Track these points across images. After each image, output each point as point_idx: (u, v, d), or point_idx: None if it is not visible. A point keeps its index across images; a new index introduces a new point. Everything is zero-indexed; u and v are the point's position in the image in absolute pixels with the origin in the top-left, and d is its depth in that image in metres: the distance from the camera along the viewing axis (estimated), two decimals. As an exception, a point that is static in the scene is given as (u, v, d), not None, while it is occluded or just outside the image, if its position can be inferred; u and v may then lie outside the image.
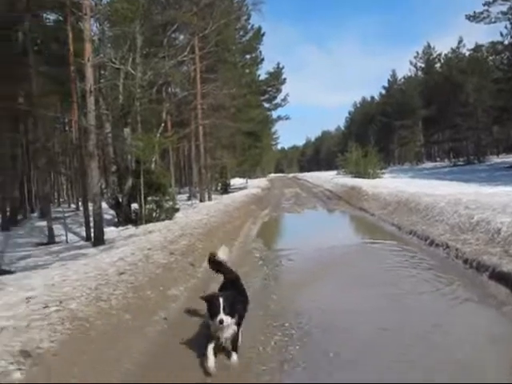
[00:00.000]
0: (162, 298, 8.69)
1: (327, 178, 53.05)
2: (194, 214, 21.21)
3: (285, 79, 55.63)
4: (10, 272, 12.34)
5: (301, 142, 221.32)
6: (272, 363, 5.99)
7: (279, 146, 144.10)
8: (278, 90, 55.77)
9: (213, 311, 5.75)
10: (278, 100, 56.65)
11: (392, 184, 30.81)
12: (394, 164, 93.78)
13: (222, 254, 7.45)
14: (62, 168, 46.74)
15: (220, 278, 7.22)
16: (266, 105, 56.61)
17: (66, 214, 24.83)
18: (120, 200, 21.29)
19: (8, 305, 7.37)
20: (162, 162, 32.78)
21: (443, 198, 17.03)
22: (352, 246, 14.41)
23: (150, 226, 17.64)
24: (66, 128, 43.69)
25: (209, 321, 5.91)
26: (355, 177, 46.83)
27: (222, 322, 5.61)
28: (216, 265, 7.32)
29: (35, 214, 32.44)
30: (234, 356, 6.04)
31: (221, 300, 5.71)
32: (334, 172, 67.19)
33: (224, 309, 5.66)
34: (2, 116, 26.02)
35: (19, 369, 4.99)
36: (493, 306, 7.81)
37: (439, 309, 7.86)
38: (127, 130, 21.09)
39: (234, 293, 6.23)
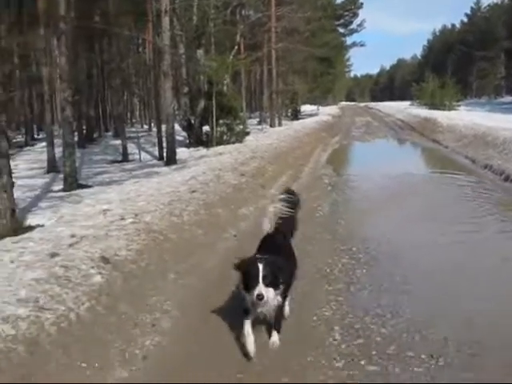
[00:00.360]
0: (233, 217, 8.90)
1: (400, 109, 51.75)
2: (264, 138, 21.27)
3: (362, 3, 53.69)
4: (87, 186, 12.86)
5: (374, 71, 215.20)
6: (339, 284, 6.04)
7: (352, 74, 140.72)
8: (355, 15, 53.98)
9: (249, 282, 4.23)
10: (353, 25, 54.91)
11: (468, 117, 29.75)
12: (471, 97, 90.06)
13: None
14: (136, 88, 47.31)
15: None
16: (341, 30, 54.99)
17: (140, 134, 25.35)
18: (192, 122, 21.51)
19: (87, 216, 7.73)
20: (234, 85, 32.65)
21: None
22: (423, 176, 14.21)
23: (221, 149, 17.84)
24: (140, 49, 43.87)
25: (244, 294, 4.37)
26: (430, 108, 45.38)
27: (261, 297, 4.12)
28: None
29: (109, 133, 33.31)
30: (275, 336, 4.61)
31: (260, 267, 4.20)
32: (408, 103, 65.30)
33: (264, 278, 4.17)
34: (77, 35, 26.35)
35: (100, 273, 5.28)
36: None
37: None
38: (200, 52, 21.06)
39: (278, 258, 4.51)
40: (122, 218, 7.37)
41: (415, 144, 24.10)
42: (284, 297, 4.60)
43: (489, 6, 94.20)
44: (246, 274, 4.27)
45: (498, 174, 13.42)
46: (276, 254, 4.60)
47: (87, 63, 31.34)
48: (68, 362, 4.03)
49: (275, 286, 4.27)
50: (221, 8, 22.59)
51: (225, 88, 22.06)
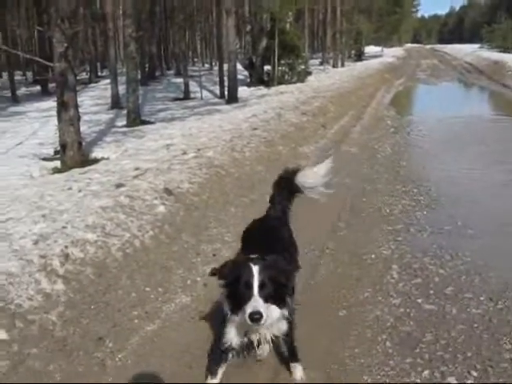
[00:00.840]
0: (293, 155, 8.91)
1: (468, 51, 49.77)
2: (326, 78, 20.97)
3: None
4: (149, 122, 13.04)
5: (443, 11, 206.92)
6: (398, 225, 5.99)
7: (419, 14, 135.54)
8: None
9: (238, 295, 2.67)
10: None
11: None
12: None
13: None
14: (198, 26, 47.06)
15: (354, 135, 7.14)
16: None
17: (201, 73, 25.36)
18: (253, 60, 21.34)
19: (150, 150, 7.90)
20: (297, 24, 32.04)
21: None
22: (490, 120, 13.77)
23: (282, 88, 17.71)
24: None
25: (229, 313, 2.79)
26: (500, 51, 43.43)
27: (257, 316, 2.52)
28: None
29: (171, 72, 33.38)
30: (299, 370, 3.20)
31: (255, 271, 2.67)
32: (476, 45, 62.68)
33: (262, 289, 2.63)
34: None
35: (163, 204, 5.43)
36: None
37: None
38: (263, -13, 20.68)
39: (280, 257, 2.93)
40: (185, 153, 7.50)
41: (483, 88, 23.23)
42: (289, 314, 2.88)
43: None
44: (233, 283, 2.69)
45: None
46: (274, 250, 3.03)
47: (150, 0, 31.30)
48: (132, 285, 4.20)
49: (279, 301, 2.72)
50: None
51: (288, 26, 21.70)
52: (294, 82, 19.57)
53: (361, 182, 7.63)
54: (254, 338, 2.82)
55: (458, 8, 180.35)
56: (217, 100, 17.69)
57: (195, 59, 47.88)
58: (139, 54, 22.73)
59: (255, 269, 2.64)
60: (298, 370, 3.17)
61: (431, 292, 4.31)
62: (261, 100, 14.56)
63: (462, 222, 6.00)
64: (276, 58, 19.45)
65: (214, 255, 4.97)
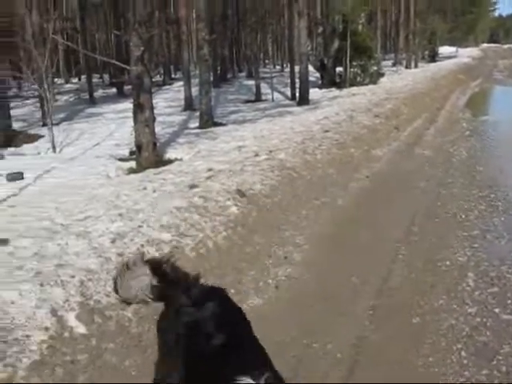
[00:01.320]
0: (365, 158, 8.82)
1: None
2: (399, 79, 20.65)
3: None
4: (221, 124, 13.19)
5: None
6: (474, 231, 5.81)
7: (496, 13, 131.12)
8: None
9: None
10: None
11: None
12: None
13: None
14: (270, 28, 47.27)
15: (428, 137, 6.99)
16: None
17: (272, 75, 25.44)
18: (325, 62, 21.25)
19: (223, 151, 8.00)
20: (369, 26, 31.69)
21: None
22: None
23: (354, 89, 17.56)
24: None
25: None
26: None
27: None
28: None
29: (243, 74, 33.66)
30: None
31: None
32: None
33: None
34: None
35: (235, 205, 5.48)
36: None
37: None
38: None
39: None
40: (257, 155, 7.55)
41: None
42: None
43: None
44: None
45: None
46: None
47: (223, 3, 31.66)
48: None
49: None
50: None
51: (360, 27, 21.49)
52: (367, 84, 19.36)
53: (436, 186, 7.48)
54: None
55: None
56: (288, 102, 17.68)
57: (266, 61, 48.18)
58: (211, 57, 23.06)
59: None
60: None
61: (509, 302, 4.15)
62: (332, 102, 14.48)
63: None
64: (348, 59, 19.30)
65: (286, 257, 4.97)
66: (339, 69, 20.85)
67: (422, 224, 5.99)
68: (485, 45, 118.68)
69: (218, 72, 27.79)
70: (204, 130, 12.35)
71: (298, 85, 17.16)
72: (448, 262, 4.92)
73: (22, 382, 2.96)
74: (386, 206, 6.64)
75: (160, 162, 8.48)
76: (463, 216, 6.28)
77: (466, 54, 49.51)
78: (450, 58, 42.47)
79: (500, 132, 11.96)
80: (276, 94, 19.81)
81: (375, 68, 20.63)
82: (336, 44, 20.56)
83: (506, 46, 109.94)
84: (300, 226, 5.73)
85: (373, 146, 9.47)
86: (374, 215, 6.31)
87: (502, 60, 47.05)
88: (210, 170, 6.74)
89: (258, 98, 19.15)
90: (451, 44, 59.40)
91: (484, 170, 8.52)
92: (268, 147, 8.00)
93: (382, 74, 20.93)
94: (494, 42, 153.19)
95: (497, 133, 11.90)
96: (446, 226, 5.92)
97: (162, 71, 30.74)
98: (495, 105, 18.82)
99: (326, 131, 9.41)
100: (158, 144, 9.00)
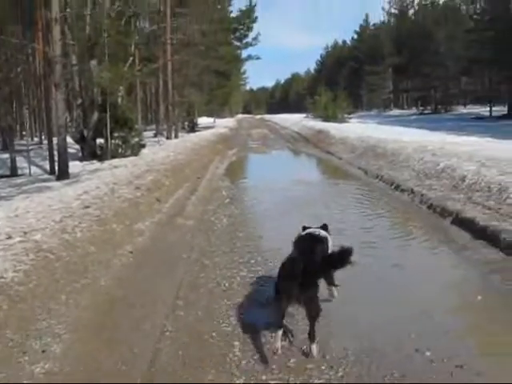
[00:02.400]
0: (128, 232, 8.64)
1: (295, 121, 52.89)
2: (161, 150, 21.01)
3: (256, 17, 54.14)
4: (-31, 203, 12.10)
5: (270, 84, 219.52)
6: (237, 299, 5.91)
7: (248, 87, 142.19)
8: (249, 29, 54.44)
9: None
10: (248, 39, 55.31)
11: (359, 129, 30.84)
12: (362, 110, 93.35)
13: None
14: (26, 99, 45.43)
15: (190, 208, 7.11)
16: (237, 43, 55.32)
17: (30, 147, 24.28)
18: (85, 134, 20.88)
19: (-32, 235, 7.24)
20: (129, 97, 32.08)
21: (410, 145, 17.18)
22: (318, 185, 14.80)
23: (116, 162, 17.41)
24: (31, 58, 42.17)
25: None
26: (324, 120, 46.66)
27: None
28: None
29: (-4, 146, 31.68)
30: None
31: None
32: (303, 115, 66.90)
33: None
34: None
35: (-20, 299, 4.93)
36: (453, 250, 7.89)
37: (400, 250, 8.01)
38: (93, 63, 20.49)
39: None
40: (9, 237, 6.97)
41: (310, 155, 24.55)
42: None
43: (376, 24, 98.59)
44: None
45: (388, 183, 13.94)
46: None
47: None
48: None
49: None
50: (115, 18, 22.08)
51: (119, 100, 21.60)
52: (128, 156, 19.35)
53: (199, 256, 7.60)
54: None
55: (282, 81, 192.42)
56: (47, 176, 16.91)
57: (24, 132, 45.98)
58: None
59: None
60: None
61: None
62: (93, 175, 14.14)
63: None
64: (108, 131, 19.17)
65: (44, 351, 4.56)
66: (100, 140, 20.61)
67: (187, 296, 5.99)
68: (240, 115, 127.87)
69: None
70: None
71: (57, 158, 16.55)
72: (214, 333, 4.95)
73: None
74: (151, 282, 6.53)
75: None
76: (226, 284, 6.42)
77: (223, 124, 52.59)
78: (208, 128, 44.65)
79: (257, 197, 12.74)
80: (34, 168, 18.89)
81: (136, 139, 20.76)
82: (95, 116, 20.35)
83: (258, 117, 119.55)
84: (59, 313, 5.33)
85: (135, 219, 9.35)
86: (139, 293, 6.15)
87: (255, 129, 50.81)
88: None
89: (13, 172, 18.08)
90: (209, 115, 62.70)
91: (244, 236, 8.90)
92: (23, 228, 7.43)
93: (144, 146, 21.12)
94: (248, 112, 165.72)
95: (254, 198, 12.64)
96: (210, 297, 6.00)
97: None
98: (251, 172, 20.05)
99: (87, 207, 9.08)
100: None
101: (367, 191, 13.40)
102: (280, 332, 4.58)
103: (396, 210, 11.12)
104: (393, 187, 13.40)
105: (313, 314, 4.45)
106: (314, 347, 4.49)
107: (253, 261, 7.37)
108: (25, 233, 7.04)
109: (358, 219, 10.14)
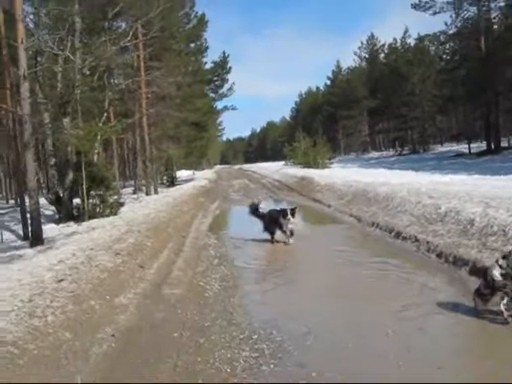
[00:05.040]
0: (109, 309, 7.50)
1: (274, 169, 52.45)
2: (141, 208, 19.99)
3: (230, 68, 54.21)
4: None
5: (246, 134, 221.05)
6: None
7: (224, 138, 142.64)
8: (224, 80, 54.39)
9: None
10: (223, 89, 55.21)
11: (343, 174, 30.22)
12: (340, 154, 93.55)
13: None
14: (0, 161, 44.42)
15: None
16: (212, 94, 55.17)
17: (3, 211, 23.15)
18: (61, 195, 19.86)
19: None
20: (106, 154, 31.29)
21: (401, 187, 16.38)
22: (310, 235, 14.16)
23: (94, 223, 16.34)
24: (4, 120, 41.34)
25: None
26: (304, 167, 46.03)
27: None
28: None
29: (-32, 211, 30.44)
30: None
31: None
32: (281, 163, 66.41)
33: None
34: None
35: None
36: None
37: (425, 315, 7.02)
38: (66, 121, 19.64)
39: None
40: (-33, 326, 5.88)
41: (296, 204, 23.65)
42: None
43: (348, 68, 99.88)
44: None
45: (386, 231, 13.08)
46: None
47: None
48: None
49: None
50: (87, 74, 21.37)
51: (95, 157, 20.70)
52: (107, 215, 18.29)
53: (193, 335, 6.55)
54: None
55: (258, 130, 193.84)
56: (20, 243, 15.73)
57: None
58: None
59: None
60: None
61: None
62: (70, 239, 13.04)
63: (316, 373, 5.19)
64: (85, 191, 18.16)
65: None
66: (77, 200, 19.61)
67: None
68: (218, 166, 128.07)
69: None
70: None
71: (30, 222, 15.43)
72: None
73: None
74: (139, 374, 5.45)
75: None
76: (228, 370, 5.44)
77: (203, 176, 51.92)
78: (187, 181, 43.87)
79: (248, 254, 11.83)
80: (7, 234, 17.72)
81: (115, 197, 19.77)
82: (71, 175, 19.39)
83: (236, 167, 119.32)
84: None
85: (116, 292, 8.22)
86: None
87: (235, 180, 50.11)
88: None
89: (-16, 240, 16.88)
90: (188, 167, 62.11)
91: (240, 303, 7.98)
92: (-15, 312, 6.35)
93: (122, 204, 20.10)
94: (226, 162, 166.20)
95: (245, 256, 11.72)
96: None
97: None
98: (237, 226, 18.79)
99: (61, 280, 8.00)
100: None
101: (365, 242, 12.50)
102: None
103: (402, 259, 10.14)
104: (392, 235, 12.52)
105: (287, 232, 12.73)
106: (291, 240, 12.63)
107: (255, 336, 6.37)
108: (-15, 321, 5.96)
109: (367, 279, 9.18)
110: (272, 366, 5.49)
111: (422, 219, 12.33)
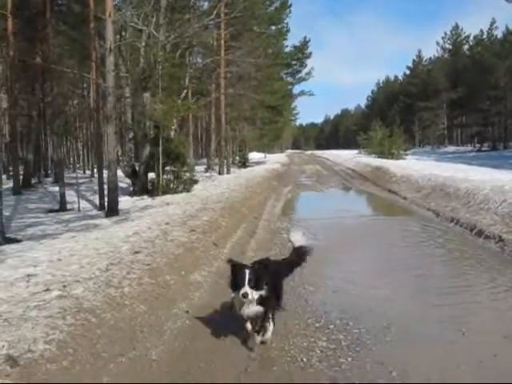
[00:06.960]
0: (183, 285, 7.44)
1: (348, 157, 51.62)
2: (214, 186, 20.06)
3: (311, 53, 53.43)
4: (15, 240, 11.22)
5: (319, 120, 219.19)
6: (320, 380, 4.79)
7: (297, 123, 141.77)
8: (303, 65, 53.77)
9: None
10: (302, 74, 54.55)
11: (419, 166, 29.28)
12: (415, 146, 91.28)
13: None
14: (80, 132, 45.68)
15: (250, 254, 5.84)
16: (289, 78, 54.66)
17: (81, 181, 23.72)
18: (137, 169, 20.16)
19: (5, 283, 6.23)
20: (181, 132, 31.58)
21: (483, 184, 15.61)
22: (387, 225, 13.49)
23: (168, 198, 16.50)
24: (85, 92, 42.41)
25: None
26: (378, 157, 45.22)
27: (245, 295, 4.89)
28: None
29: (50, 179, 31.43)
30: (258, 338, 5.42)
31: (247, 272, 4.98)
32: (354, 151, 65.55)
33: (250, 282, 4.93)
34: (18, 75, 24.91)
35: None
36: None
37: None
38: (147, 95, 19.84)
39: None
40: (47, 289, 5.93)
41: (370, 194, 23.07)
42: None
43: (430, 59, 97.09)
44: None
45: (467, 228, 12.47)
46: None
47: (27, 104, 29.77)
48: None
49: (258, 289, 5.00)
50: (169, 51, 21.50)
51: (172, 133, 20.87)
52: (181, 191, 18.44)
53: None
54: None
55: (332, 117, 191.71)
56: (95, 212, 16.06)
57: (77, 165, 46.13)
58: (11, 161, 20.89)
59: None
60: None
61: None
62: (144, 212, 13.18)
63: (397, 373, 4.92)
64: (160, 165, 18.35)
65: None
66: (152, 175, 19.85)
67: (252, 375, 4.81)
68: (289, 150, 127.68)
69: (21, 177, 25.51)
70: (-9, 249, 10.33)
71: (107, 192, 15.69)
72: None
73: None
74: (214, 357, 5.30)
75: None
76: (304, 359, 5.23)
77: (275, 160, 51.81)
78: (259, 163, 43.87)
79: (321, 241, 11.44)
80: (84, 203, 18.15)
81: (188, 175, 19.91)
82: (147, 150, 19.64)
83: (308, 152, 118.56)
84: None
85: (191, 269, 8.18)
86: (200, 371, 4.96)
87: (307, 165, 49.75)
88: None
89: (62, 207, 17.33)
90: (259, 150, 62.16)
91: (314, 289, 7.77)
92: (64, 277, 6.39)
93: (196, 181, 20.24)
94: (297, 147, 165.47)
95: (318, 243, 11.38)
96: (285, 376, 4.82)
97: None
98: (310, 212, 18.45)
99: (137, 252, 8.02)
100: None
101: (445, 238, 11.93)
102: None
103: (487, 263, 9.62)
104: (473, 233, 11.94)
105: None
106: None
107: (331, 326, 6.14)
108: (64, 286, 5.99)
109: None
110: (350, 359, 5.24)
111: (507, 219, 11.70)
